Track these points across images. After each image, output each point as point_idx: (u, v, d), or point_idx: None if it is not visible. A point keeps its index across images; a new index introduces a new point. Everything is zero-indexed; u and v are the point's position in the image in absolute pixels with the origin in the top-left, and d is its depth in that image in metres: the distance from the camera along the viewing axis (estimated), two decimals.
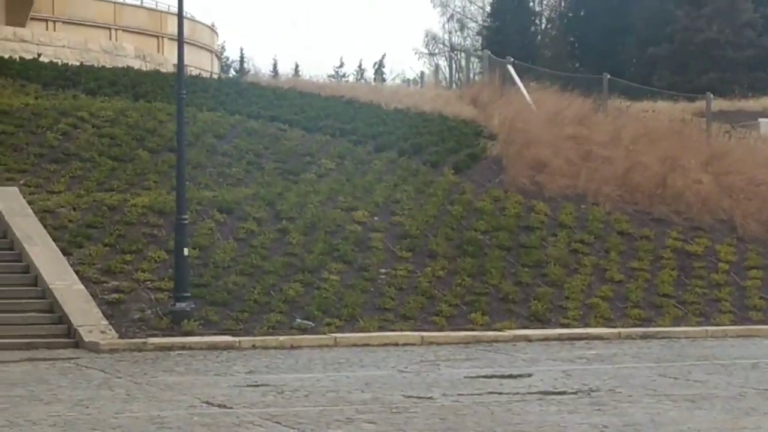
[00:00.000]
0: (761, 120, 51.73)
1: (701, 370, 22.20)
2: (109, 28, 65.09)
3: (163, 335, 24.87)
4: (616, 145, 36.72)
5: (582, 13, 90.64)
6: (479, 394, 18.63)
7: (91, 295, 25.83)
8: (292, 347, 24.85)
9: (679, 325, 28.50)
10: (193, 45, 66.93)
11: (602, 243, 31.64)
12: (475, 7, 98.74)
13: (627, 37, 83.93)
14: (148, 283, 26.81)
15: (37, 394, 18.28)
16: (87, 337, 24.25)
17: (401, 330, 26.36)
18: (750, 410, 17.30)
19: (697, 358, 24.11)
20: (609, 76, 47.55)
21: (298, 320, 26.24)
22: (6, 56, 43.13)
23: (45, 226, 28.06)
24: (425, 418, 16.25)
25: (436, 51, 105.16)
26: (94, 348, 23.88)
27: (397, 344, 25.52)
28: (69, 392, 18.47)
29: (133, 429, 15.23)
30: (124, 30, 65.49)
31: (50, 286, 25.89)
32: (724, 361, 23.53)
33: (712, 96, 48.92)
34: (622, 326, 28.00)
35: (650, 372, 21.80)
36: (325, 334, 25.71)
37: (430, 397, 18.21)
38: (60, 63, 44.17)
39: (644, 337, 27.44)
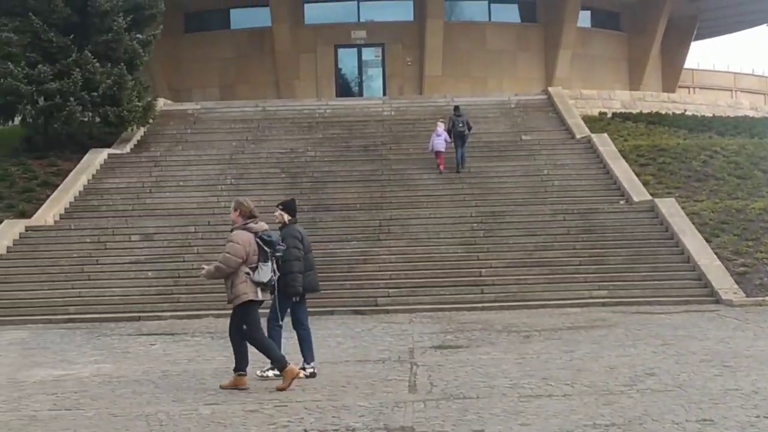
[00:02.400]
0: None
1: None
2: (730, 90, 64.20)
3: None
4: None
5: None
6: None
7: (726, 269, 25.13)
8: None
9: None
10: None
11: None
12: None
13: None
14: (765, 260, 25.71)
15: (692, 333, 18.04)
16: (724, 296, 23.63)
17: None
18: None
19: None
20: None
21: None
22: (663, 112, 43.03)
23: (693, 223, 27.59)
24: None
25: None
26: (728, 304, 23.21)
27: None
28: (714, 333, 18.10)
29: (762, 359, 14.64)
30: (740, 91, 64.42)
31: (698, 263, 25.42)
32: None
33: None
34: None
35: None
36: None
37: None
38: (698, 115, 43.41)
39: None
